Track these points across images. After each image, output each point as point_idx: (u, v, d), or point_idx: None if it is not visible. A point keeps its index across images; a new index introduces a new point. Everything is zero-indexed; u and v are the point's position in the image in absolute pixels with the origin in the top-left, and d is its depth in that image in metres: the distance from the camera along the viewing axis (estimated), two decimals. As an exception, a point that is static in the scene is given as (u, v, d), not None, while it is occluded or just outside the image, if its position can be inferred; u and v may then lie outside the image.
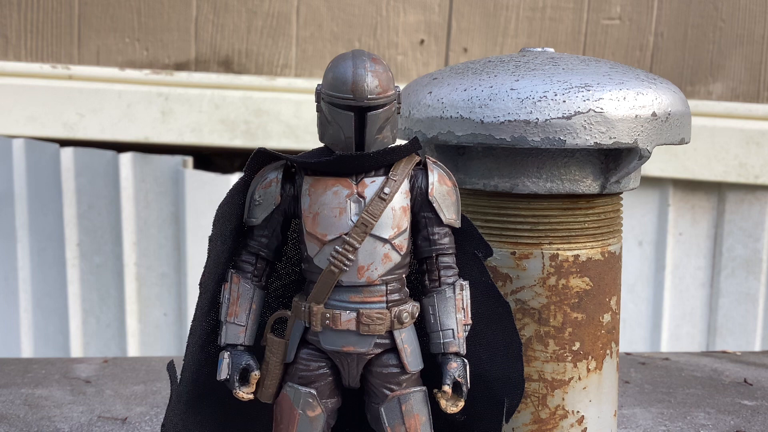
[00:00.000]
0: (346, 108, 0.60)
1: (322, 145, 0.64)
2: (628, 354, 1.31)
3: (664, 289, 1.65)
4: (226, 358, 0.64)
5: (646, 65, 1.62)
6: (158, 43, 1.53)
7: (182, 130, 1.52)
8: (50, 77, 1.51)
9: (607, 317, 0.76)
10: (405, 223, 0.63)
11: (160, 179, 1.52)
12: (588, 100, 0.69)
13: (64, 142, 1.51)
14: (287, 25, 1.54)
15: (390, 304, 0.63)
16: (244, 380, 0.64)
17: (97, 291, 1.55)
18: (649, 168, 1.57)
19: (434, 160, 0.66)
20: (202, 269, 0.65)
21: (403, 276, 0.64)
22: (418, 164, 0.65)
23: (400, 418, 0.64)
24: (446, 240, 0.65)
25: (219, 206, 0.64)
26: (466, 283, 0.65)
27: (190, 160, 1.54)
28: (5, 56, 1.51)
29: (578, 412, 0.76)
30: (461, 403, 0.63)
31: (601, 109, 0.69)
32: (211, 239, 0.64)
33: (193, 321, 0.66)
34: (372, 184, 0.62)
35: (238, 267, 0.65)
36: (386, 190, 0.62)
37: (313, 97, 0.64)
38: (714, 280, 1.66)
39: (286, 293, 0.71)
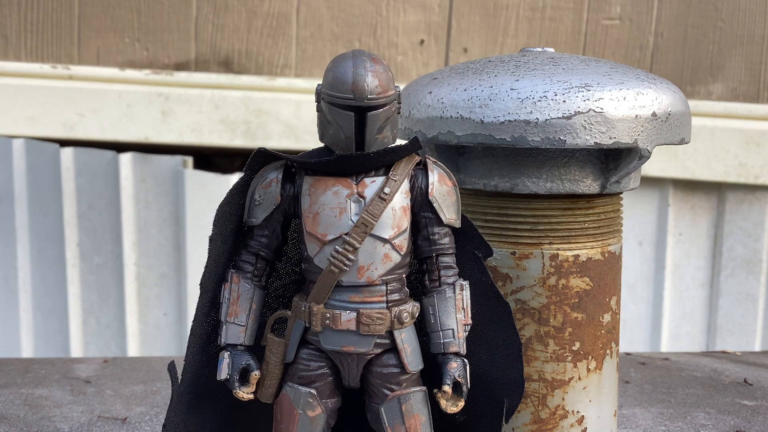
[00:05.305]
0: (346, 108, 0.60)
1: (322, 145, 0.64)
2: (628, 354, 1.31)
3: (664, 289, 1.65)
4: (226, 358, 0.64)
5: (646, 65, 1.62)
6: (158, 43, 1.53)
7: (182, 130, 1.52)
8: (50, 77, 1.51)
9: (607, 317, 0.76)
10: (405, 223, 0.63)
11: (160, 179, 1.52)
12: (588, 100, 0.69)
13: (64, 142, 1.51)
14: (287, 25, 1.54)
15: (390, 304, 0.63)
16: (244, 380, 0.64)
17: (97, 291, 1.55)
18: (649, 168, 1.57)
19: (434, 160, 0.66)
20: (203, 269, 0.65)
21: (403, 276, 0.64)
22: (418, 164, 0.65)
23: (400, 418, 0.64)
24: (446, 240, 0.65)
25: (219, 206, 0.64)
26: (466, 283, 0.65)
27: (190, 160, 1.54)
28: (5, 56, 1.51)
29: (578, 412, 0.76)
30: (461, 403, 0.63)
31: (601, 109, 0.69)
32: (211, 239, 0.64)
33: (193, 321, 0.66)
34: (372, 184, 0.62)
35: (238, 267, 0.65)
36: (386, 190, 0.62)
37: (313, 97, 0.64)
38: (714, 280, 1.66)
39: (286, 293, 0.71)
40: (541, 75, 0.71)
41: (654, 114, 0.71)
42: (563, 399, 0.75)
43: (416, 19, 1.56)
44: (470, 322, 0.65)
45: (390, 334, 0.63)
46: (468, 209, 0.75)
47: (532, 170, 0.72)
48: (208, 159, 1.62)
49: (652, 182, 1.62)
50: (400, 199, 0.63)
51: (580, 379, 0.75)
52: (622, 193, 0.78)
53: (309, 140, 1.52)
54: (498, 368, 0.67)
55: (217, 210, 0.64)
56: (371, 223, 0.61)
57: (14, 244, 1.52)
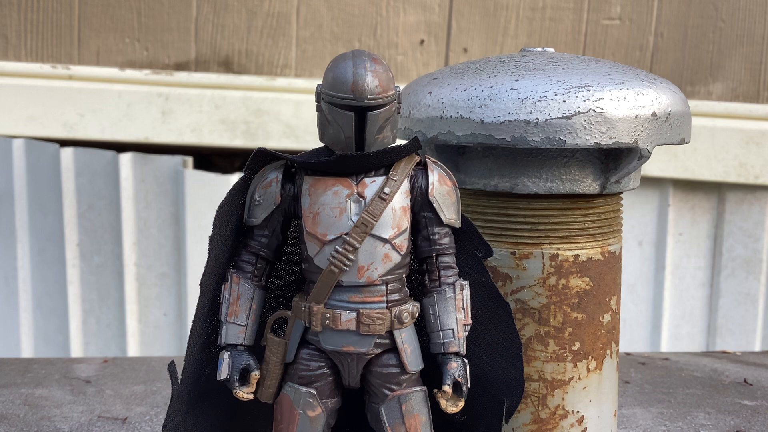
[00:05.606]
0: (346, 108, 0.60)
1: (322, 145, 0.64)
2: (628, 354, 1.31)
3: (664, 289, 1.65)
4: (226, 358, 0.64)
5: (646, 65, 1.62)
6: (158, 43, 1.53)
7: (182, 130, 1.52)
8: (50, 77, 1.51)
9: (607, 317, 0.76)
10: (405, 223, 0.63)
11: (160, 179, 1.52)
12: (588, 100, 0.69)
13: (64, 142, 1.51)
14: (287, 25, 1.54)
15: (390, 304, 0.63)
16: (244, 380, 0.64)
17: (97, 291, 1.55)
18: (649, 168, 1.57)
19: (434, 160, 0.66)
20: (203, 269, 0.65)
21: (404, 276, 0.64)
22: (418, 164, 0.65)
23: (400, 418, 0.64)
24: (446, 240, 0.65)
25: (219, 206, 0.64)
26: (466, 283, 0.65)
27: (190, 160, 1.54)
28: (5, 56, 1.51)
29: (578, 412, 0.76)
30: (461, 403, 0.63)
31: (601, 109, 0.69)
32: (211, 239, 0.64)
33: (193, 321, 0.66)
34: (372, 184, 0.62)
35: (238, 267, 0.65)
36: (386, 190, 0.62)
37: (313, 97, 0.64)
38: (714, 280, 1.66)
39: (286, 293, 0.71)
40: (541, 75, 0.71)
41: (654, 114, 0.71)
42: (563, 399, 0.75)
43: (416, 19, 1.56)
44: (470, 322, 0.65)
45: (390, 334, 0.63)
46: (468, 209, 0.75)
47: (532, 170, 0.72)
48: (208, 159, 1.62)
49: (652, 182, 1.62)
50: (400, 199, 0.63)
51: (580, 379, 0.75)
52: (622, 193, 0.78)
53: (309, 140, 1.52)
54: (498, 368, 0.67)
55: (217, 210, 0.64)
56: (371, 223, 0.61)
57: (14, 244, 1.52)
